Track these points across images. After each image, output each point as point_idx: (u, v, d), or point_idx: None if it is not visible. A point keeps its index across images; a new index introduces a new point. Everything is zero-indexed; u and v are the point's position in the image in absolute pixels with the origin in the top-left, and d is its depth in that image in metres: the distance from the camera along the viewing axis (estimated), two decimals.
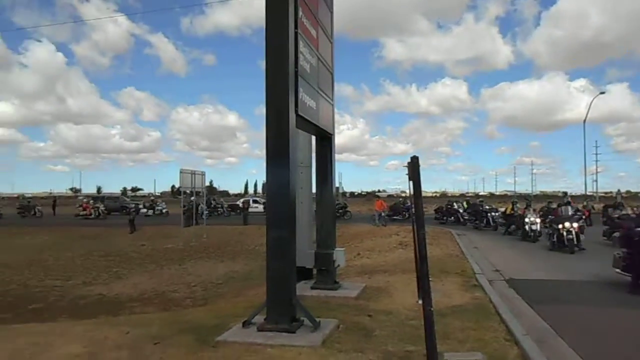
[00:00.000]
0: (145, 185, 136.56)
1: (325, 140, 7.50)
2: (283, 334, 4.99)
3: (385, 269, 10.36)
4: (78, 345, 4.84)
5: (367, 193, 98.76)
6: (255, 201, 37.02)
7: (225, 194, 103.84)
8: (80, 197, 61.04)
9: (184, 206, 22.38)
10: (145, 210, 34.64)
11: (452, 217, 25.01)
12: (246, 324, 5.32)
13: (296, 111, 5.31)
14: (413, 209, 3.74)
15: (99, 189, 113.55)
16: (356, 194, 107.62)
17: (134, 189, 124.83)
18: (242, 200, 37.23)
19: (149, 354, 4.58)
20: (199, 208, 24.04)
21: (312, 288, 7.43)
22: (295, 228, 5.35)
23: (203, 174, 22.96)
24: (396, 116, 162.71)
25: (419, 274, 3.69)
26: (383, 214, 25.29)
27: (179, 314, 7.14)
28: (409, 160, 3.66)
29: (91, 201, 37.59)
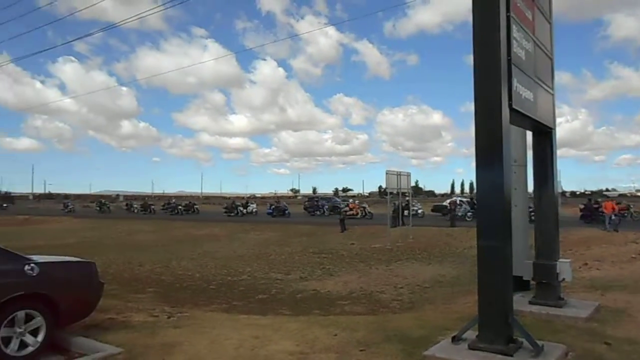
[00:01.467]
0: (354, 186, 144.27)
1: (544, 135, 6.58)
2: (498, 356, 4.44)
3: (624, 285, 8.71)
4: (292, 342, 5.07)
5: (592, 192, 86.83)
6: (462, 201, 35.63)
7: (430, 194, 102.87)
8: (299, 197, 67.32)
9: (393, 205, 22.64)
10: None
11: None
12: (456, 339, 4.91)
13: (510, 105, 4.69)
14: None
15: (314, 190, 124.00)
16: (578, 193, 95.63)
17: (345, 190, 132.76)
18: (448, 200, 36.24)
19: None
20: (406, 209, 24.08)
21: (530, 303, 6.57)
22: (510, 236, 4.73)
23: (408, 174, 22.94)
24: (628, 102, 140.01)
25: None
26: (614, 217, 21.75)
27: (385, 318, 7.05)
28: None
29: (357, 202, 38.76)
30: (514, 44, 4.80)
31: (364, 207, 36.14)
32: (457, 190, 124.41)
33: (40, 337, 4.61)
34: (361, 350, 4.79)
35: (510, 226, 4.75)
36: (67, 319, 4.88)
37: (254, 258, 18.86)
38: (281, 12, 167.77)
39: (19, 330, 4.48)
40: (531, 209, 7.83)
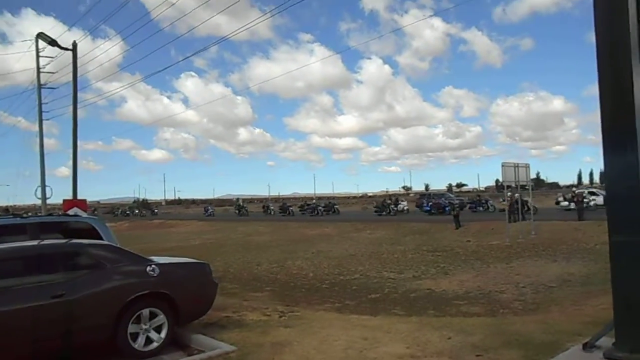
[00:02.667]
0: (469, 181, 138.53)
1: None
2: None
3: None
4: (402, 345, 4.88)
5: None
6: (592, 193, 32.45)
7: (554, 185, 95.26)
8: (412, 195, 66.26)
9: (509, 201, 21.30)
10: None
11: None
12: (588, 346, 4.36)
13: None
14: None
15: (426, 187, 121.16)
16: None
17: (459, 185, 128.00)
18: (576, 191, 33.19)
19: None
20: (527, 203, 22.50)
21: None
22: None
23: (527, 166, 21.37)
24: None
25: None
26: None
27: (505, 321, 6.53)
28: None
29: (516, 195, 35.54)
30: None
31: (526, 201, 32.29)
32: (586, 180, 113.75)
33: (163, 334, 4.94)
34: (477, 356, 4.45)
35: None
36: (186, 317, 5.17)
37: (366, 257, 18.81)
38: (384, 10, 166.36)
39: (144, 327, 4.83)
40: None
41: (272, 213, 51.78)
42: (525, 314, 8.94)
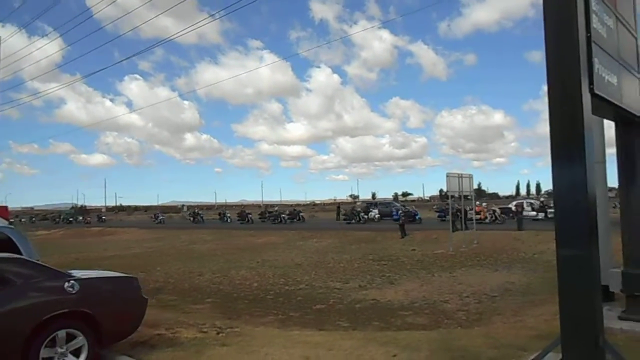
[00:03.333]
0: (414, 190, 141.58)
1: (630, 125, 5.75)
2: None
3: None
4: None
5: None
6: (529, 204, 33.80)
7: (494, 196, 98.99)
8: (359, 203, 66.60)
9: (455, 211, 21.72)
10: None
11: None
12: None
13: (591, 89, 4.01)
14: None
15: (373, 195, 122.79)
16: None
17: (404, 194, 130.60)
18: (514, 203, 34.46)
19: None
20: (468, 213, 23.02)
21: (620, 318, 5.74)
22: (597, 243, 4.03)
23: (470, 176, 21.88)
24: None
25: None
26: None
27: (451, 335, 6.42)
28: None
29: (484, 204, 34.99)
30: (594, 18, 4.12)
31: (494, 211, 31.91)
32: (523, 191, 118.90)
33: (82, 357, 4.44)
34: None
35: (596, 231, 4.05)
36: (109, 337, 4.68)
37: (312, 266, 18.53)
38: (334, 19, 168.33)
39: (60, 350, 4.32)
40: None
41: (229, 221, 49.54)
42: (470, 325, 8.94)
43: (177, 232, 38.51)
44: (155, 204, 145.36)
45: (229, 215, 52.14)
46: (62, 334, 4.29)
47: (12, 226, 6.84)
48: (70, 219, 68.95)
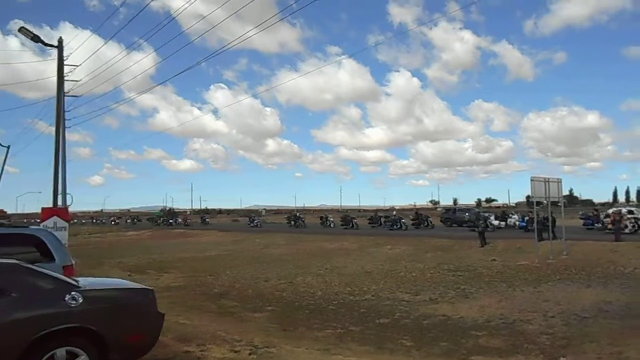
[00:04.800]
0: (499, 196, 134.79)
1: None
2: None
3: None
4: None
5: None
6: (630, 212, 30.35)
7: (588, 203, 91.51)
8: (439, 209, 64.11)
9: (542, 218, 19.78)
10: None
11: None
12: None
13: None
14: None
15: (454, 201, 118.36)
16: None
17: (488, 200, 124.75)
18: (611, 210, 31.12)
19: None
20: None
21: None
22: None
23: (559, 181, 19.83)
24: None
25: None
26: None
27: None
28: None
29: (623, 210, 30.73)
30: None
31: (637, 219, 27.62)
32: (622, 198, 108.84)
33: None
34: None
35: None
36: (117, 357, 4.17)
37: (382, 275, 17.56)
38: (413, 22, 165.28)
39: None
40: None
41: (331, 225, 45.06)
42: (555, 354, 7.67)
43: (254, 235, 38.93)
44: (238, 207, 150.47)
45: (332, 219, 47.29)
46: (61, 352, 3.83)
47: (44, 228, 6.66)
48: (171, 221, 68.81)
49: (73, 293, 3.98)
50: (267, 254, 26.19)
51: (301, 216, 52.29)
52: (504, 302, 12.31)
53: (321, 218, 49.48)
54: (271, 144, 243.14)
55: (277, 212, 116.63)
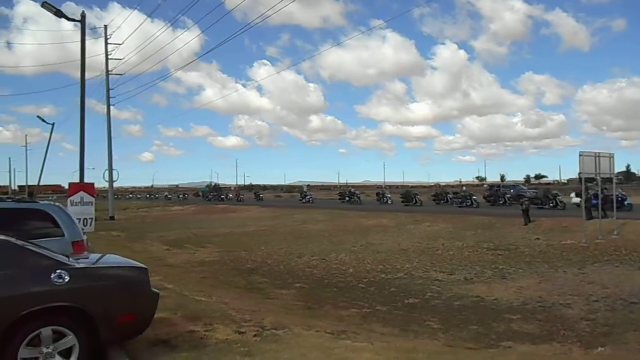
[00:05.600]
0: (550, 173, 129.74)
1: None
2: None
3: None
4: None
5: None
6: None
7: None
8: (485, 186, 61.76)
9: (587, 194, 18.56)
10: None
11: None
12: None
13: None
14: None
15: (502, 177, 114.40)
16: None
17: (538, 177, 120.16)
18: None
19: None
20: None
21: None
22: None
23: (611, 156, 18.55)
24: None
25: None
26: None
27: None
28: None
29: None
30: None
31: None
32: None
33: (73, 359, 3.82)
34: None
35: None
36: (109, 337, 4.01)
37: (418, 253, 17.10)
38: None
39: (46, 350, 3.73)
40: None
41: (388, 202, 40.49)
42: (593, 342, 7.09)
43: (292, 210, 39.01)
44: (282, 183, 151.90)
45: (389, 195, 42.69)
46: (47, 332, 3.68)
47: (54, 203, 6.62)
48: (222, 197, 66.16)
49: (59, 271, 3.83)
50: (304, 230, 26.11)
51: (357, 192, 46.92)
52: (544, 284, 11.66)
53: (377, 195, 44.87)
54: (315, 120, 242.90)
55: (322, 188, 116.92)
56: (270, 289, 11.86)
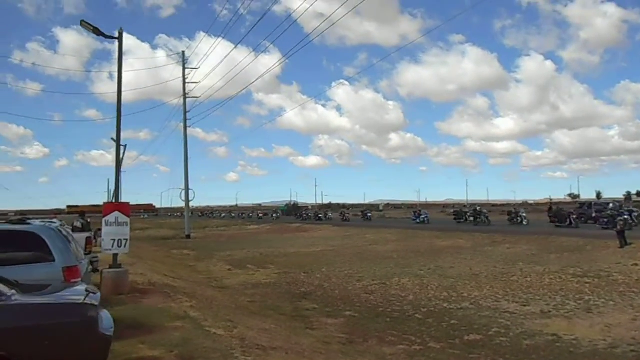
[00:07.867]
0: None
1: None
2: None
3: None
4: None
5: None
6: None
7: None
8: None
9: None
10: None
11: None
12: None
13: None
14: None
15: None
16: None
17: None
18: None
19: None
20: None
21: None
22: None
23: None
24: None
25: None
26: None
27: None
28: None
29: None
30: None
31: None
32: None
33: None
34: None
35: None
36: None
37: (490, 278, 15.36)
38: (545, 1, 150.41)
39: None
40: None
41: (524, 222, 33.63)
42: None
43: (364, 230, 37.87)
44: (362, 202, 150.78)
45: (524, 214, 35.12)
46: None
47: (51, 225, 6.19)
48: (320, 215, 63.22)
49: None
50: (371, 251, 24.99)
51: (484, 210, 38.57)
52: None
53: (509, 213, 37.32)
54: (394, 138, 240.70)
55: (395, 207, 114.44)
56: (316, 316, 10.95)
